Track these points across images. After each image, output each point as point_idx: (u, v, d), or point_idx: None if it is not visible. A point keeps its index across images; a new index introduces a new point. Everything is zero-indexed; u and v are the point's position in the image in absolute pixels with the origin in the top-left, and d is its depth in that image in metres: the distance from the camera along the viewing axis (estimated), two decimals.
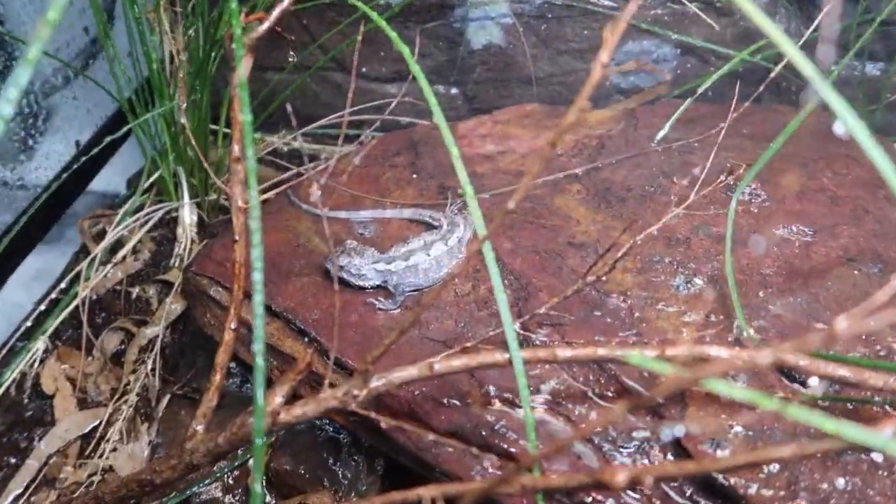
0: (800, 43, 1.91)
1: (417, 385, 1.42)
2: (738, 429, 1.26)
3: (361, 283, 1.62)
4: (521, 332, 1.43)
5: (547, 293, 1.54)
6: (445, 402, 1.39)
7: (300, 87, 2.55)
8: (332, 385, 1.22)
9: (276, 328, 1.60)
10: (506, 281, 1.59)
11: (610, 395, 1.36)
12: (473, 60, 2.37)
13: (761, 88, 1.88)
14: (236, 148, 1.30)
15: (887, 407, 1.23)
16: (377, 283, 1.62)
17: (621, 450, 1.29)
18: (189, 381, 1.91)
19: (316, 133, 2.61)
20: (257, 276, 1.05)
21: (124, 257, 2.36)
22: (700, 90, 1.94)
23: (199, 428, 1.27)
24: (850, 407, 1.28)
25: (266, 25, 1.27)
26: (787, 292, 1.49)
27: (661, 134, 1.99)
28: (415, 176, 2.00)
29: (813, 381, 1.32)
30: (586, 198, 1.81)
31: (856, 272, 1.54)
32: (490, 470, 1.33)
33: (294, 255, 1.74)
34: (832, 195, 1.76)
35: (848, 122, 0.70)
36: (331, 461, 1.69)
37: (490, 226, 1.02)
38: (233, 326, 1.30)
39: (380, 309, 1.58)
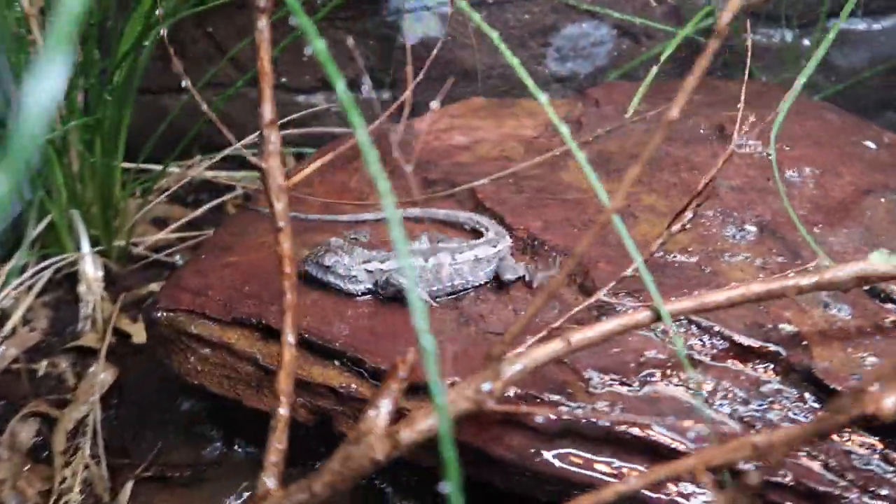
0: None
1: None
2: (873, 359, 1.16)
3: (350, 288, 1.36)
4: (610, 300, 1.25)
5: (606, 262, 1.38)
6: (545, 398, 1.16)
7: (208, 109, 2.20)
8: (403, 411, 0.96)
9: (297, 355, 1.28)
10: (552, 257, 1.41)
11: (720, 354, 1.21)
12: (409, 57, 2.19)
13: (705, 63, 1.89)
14: (267, 109, 1.01)
15: None
16: (368, 286, 1.37)
17: (758, 410, 1.14)
18: (157, 458, 1.49)
19: (238, 157, 2.27)
20: None
21: (14, 329, 1.86)
22: (663, 57, 1.93)
23: (270, 483, 0.94)
24: None
25: None
26: (836, 225, 1.46)
27: (632, 104, 1.93)
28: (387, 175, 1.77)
29: None
30: (593, 170, 1.68)
31: (882, 200, 1.55)
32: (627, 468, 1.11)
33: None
34: (817, 140, 1.79)
35: None
36: None
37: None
38: (291, 340, 0.99)
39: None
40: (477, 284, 1.38)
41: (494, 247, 1.39)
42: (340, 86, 0.81)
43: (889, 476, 1.06)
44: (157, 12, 1.48)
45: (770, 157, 1.70)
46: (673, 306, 1.01)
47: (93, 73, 1.76)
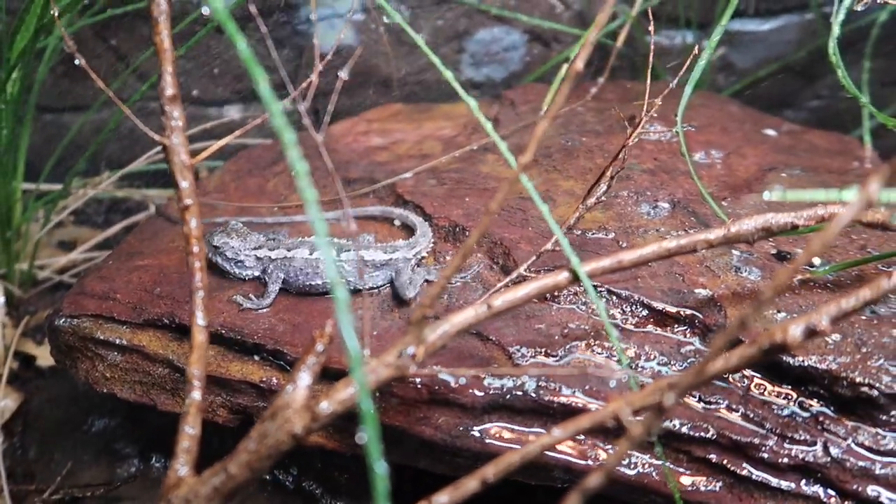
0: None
1: (432, 362, 1.16)
2: (782, 315, 1.20)
3: (237, 273, 1.34)
4: (530, 276, 1.26)
5: (527, 243, 1.38)
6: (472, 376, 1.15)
7: (113, 127, 2.13)
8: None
9: (213, 353, 1.23)
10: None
11: (641, 321, 1.23)
12: (323, 67, 2.18)
13: (611, 62, 1.96)
14: (168, 84, 0.98)
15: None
16: (256, 273, 1.34)
17: (680, 370, 1.16)
18: (67, 480, 1.39)
19: (145, 172, 2.19)
20: None
21: None
22: (573, 58, 1.97)
23: (183, 470, 0.89)
24: (855, 273, 1.29)
25: None
26: (745, 199, 1.51)
27: (546, 102, 1.97)
28: None
29: (816, 261, 1.32)
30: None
31: (783, 175, 1.62)
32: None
33: None
34: (723, 128, 1.87)
35: None
36: None
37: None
38: (201, 322, 0.95)
39: (245, 308, 1.28)
40: (359, 288, 1.30)
41: (388, 254, 1.33)
42: (264, 85, 0.80)
43: (802, 421, 1.09)
44: (52, 13, 1.42)
45: (675, 141, 1.77)
46: (590, 266, 1.02)
47: None
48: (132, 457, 1.43)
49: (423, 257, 1.38)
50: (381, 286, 1.34)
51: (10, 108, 1.73)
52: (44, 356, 1.72)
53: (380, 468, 0.68)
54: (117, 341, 1.25)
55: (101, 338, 1.26)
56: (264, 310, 1.27)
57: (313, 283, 1.29)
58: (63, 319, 1.28)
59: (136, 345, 1.25)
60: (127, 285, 1.33)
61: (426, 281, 1.32)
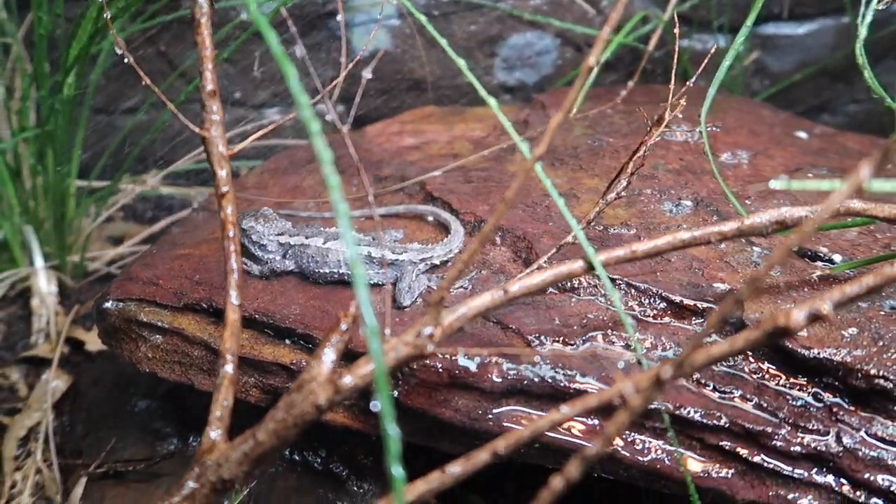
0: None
1: (451, 345, 1.20)
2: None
3: (259, 254, 1.40)
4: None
5: (549, 237, 1.42)
6: (491, 361, 1.19)
7: (159, 127, 2.23)
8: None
9: (247, 337, 1.30)
10: (499, 236, 1.46)
11: (659, 313, 1.26)
12: (359, 70, 2.25)
13: (642, 66, 1.98)
14: (208, 80, 1.05)
15: None
16: (278, 257, 1.40)
17: None
18: (110, 456, 1.48)
19: (190, 171, 2.30)
20: None
21: None
22: (597, 61, 2.00)
23: (215, 435, 0.95)
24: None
25: None
26: (767, 198, 1.53)
27: (576, 105, 2.01)
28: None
29: (837, 258, 1.33)
30: (540, 161, 1.74)
31: (809, 175, 1.63)
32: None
33: None
34: (752, 130, 1.88)
35: None
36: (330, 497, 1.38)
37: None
38: (234, 301, 1.02)
39: (246, 271, 1.39)
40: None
41: (397, 254, 1.36)
42: (293, 80, 0.86)
43: (815, 411, 1.10)
44: (105, 15, 1.51)
45: (702, 142, 1.78)
46: (604, 255, 1.06)
47: (44, 84, 1.79)
48: (171, 436, 1.51)
49: (436, 264, 1.40)
50: (381, 284, 1.36)
51: (65, 109, 1.84)
52: (92, 341, 1.82)
53: (392, 430, 0.73)
54: (159, 324, 1.33)
55: (145, 320, 1.34)
56: (256, 274, 1.39)
57: (321, 270, 1.36)
58: (110, 302, 1.36)
59: (177, 327, 1.33)
60: (169, 272, 1.41)
61: (428, 289, 1.35)
